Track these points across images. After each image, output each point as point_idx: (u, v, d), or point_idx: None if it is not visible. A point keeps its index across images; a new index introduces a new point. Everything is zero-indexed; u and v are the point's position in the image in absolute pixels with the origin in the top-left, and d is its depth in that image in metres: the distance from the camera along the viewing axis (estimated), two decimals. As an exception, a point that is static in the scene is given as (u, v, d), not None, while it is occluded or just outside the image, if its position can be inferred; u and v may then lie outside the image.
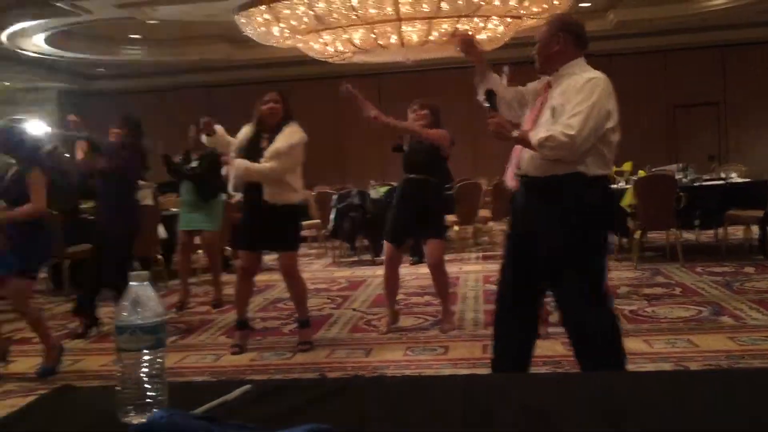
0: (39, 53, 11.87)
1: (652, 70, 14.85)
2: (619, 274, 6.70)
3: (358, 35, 9.06)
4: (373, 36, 8.96)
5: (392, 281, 5.07)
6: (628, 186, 7.43)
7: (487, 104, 3.01)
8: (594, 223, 2.94)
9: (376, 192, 8.85)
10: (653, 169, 8.05)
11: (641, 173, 7.85)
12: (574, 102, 2.81)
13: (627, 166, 9.22)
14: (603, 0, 11.56)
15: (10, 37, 10.69)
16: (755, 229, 7.55)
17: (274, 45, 10.01)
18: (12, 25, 10.12)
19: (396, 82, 14.20)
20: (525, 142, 2.86)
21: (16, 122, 4.59)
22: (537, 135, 2.80)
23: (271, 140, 4.47)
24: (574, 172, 2.84)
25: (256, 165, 4.38)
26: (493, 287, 6.39)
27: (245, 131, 4.62)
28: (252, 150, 4.48)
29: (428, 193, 4.88)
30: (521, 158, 2.96)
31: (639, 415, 1.18)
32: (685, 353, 4.12)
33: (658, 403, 1.24)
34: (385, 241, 5.18)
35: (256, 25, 9.13)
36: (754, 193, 7.25)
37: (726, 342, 4.30)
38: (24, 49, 11.58)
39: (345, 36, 9.09)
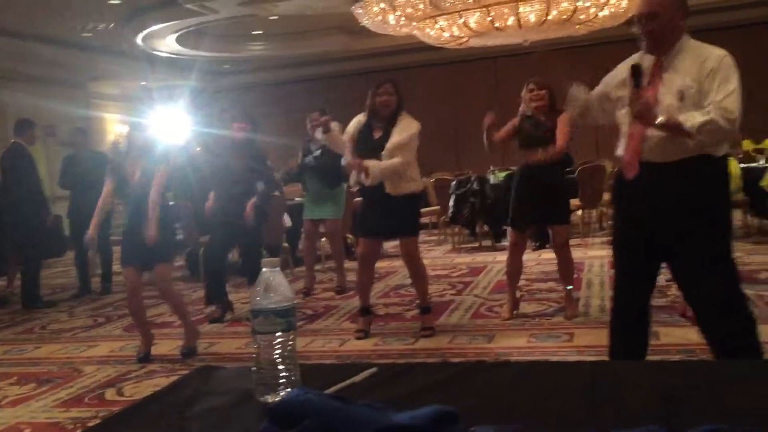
0: (171, 53, 12.58)
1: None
2: (759, 258, 6.29)
3: (473, 19, 8.97)
4: (489, 18, 8.84)
5: (516, 267, 5.02)
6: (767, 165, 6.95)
7: (632, 82, 2.78)
8: (727, 202, 2.84)
9: (495, 177, 8.76)
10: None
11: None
12: (718, 81, 2.65)
13: (767, 143, 8.62)
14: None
15: (145, 39, 11.39)
16: None
17: (391, 33, 10.09)
18: (146, 28, 10.78)
19: (514, 65, 13.94)
20: (675, 127, 2.65)
21: (141, 128, 4.93)
22: (691, 120, 2.62)
23: (384, 131, 4.54)
24: (704, 154, 2.70)
25: (386, 163, 4.45)
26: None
27: (356, 122, 4.70)
28: (366, 142, 4.57)
29: (552, 176, 4.78)
30: (642, 146, 2.78)
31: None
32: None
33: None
34: (509, 228, 5.10)
35: (372, 14, 9.24)
36: None
37: None
38: (158, 50, 12.31)
39: (461, 20, 9.02)
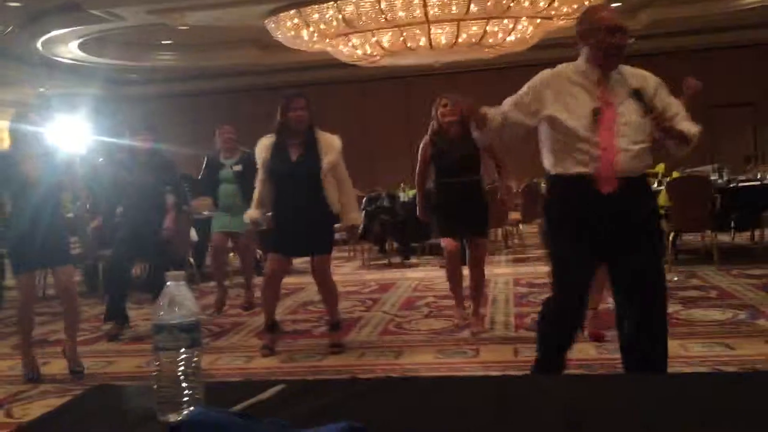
0: (73, 59, 12.09)
1: (684, 70, 14.56)
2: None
3: (386, 38, 9.09)
4: (402, 39, 8.98)
5: (457, 272, 5.08)
6: (661, 188, 7.33)
7: (639, 103, 2.86)
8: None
9: (406, 195, 8.85)
10: (687, 171, 7.92)
11: (675, 174, 7.72)
12: (668, 97, 2.95)
13: (660, 168, 9.09)
14: None
15: (46, 44, 10.91)
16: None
17: (303, 49, 10.08)
18: (48, 32, 10.32)
19: (425, 85, 14.20)
20: (682, 134, 2.87)
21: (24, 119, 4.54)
22: (693, 129, 2.89)
23: (306, 149, 4.48)
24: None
25: (351, 193, 4.74)
26: (524, 290, 6.34)
27: (265, 146, 4.55)
28: (284, 162, 4.48)
29: (479, 192, 4.89)
30: (617, 161, 2.82)
31: (673, 418, 1.16)
32: (721, 357, 4.04)
33: (693, 406, 1.22)
34: (444, 239, 5.07)
35: (285, 29, 9.21)
36: (792, 194, 7.11)
37: (763, 346, 4.21)
38: (59, 56, 11.80)
39: (374, 39, 9.12)
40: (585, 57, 2.94)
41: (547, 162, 2.99)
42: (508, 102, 3.01)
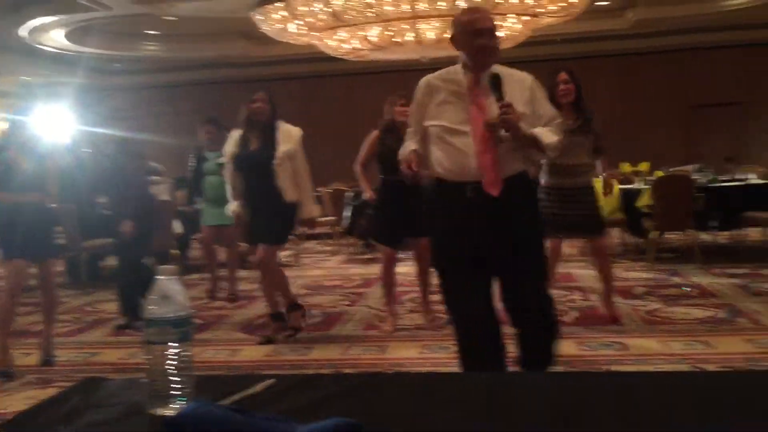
0: (58, 48, 11.96)
1: (670, 69, 14.73)
2: (635, 275, 6.66)
3: (374, 32, 9.07)
4: (389, 33, 8.97)
5: (393, 279, 5.14)
6: (644, 186, 7.39)
7: (494, 92, 2.76)
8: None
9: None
10: (670, 170, 7.99)
11: (658, 173, 7.79)
12: (541, 102, 2.93)
13: (644, 166, 9.17)
14: (621, -1, 11.49)
15: (31, 32, 10.78)
16: (773, 231, 7.49)
17: (290, 42, 10.04)
18: (32, 19, 10.21)
19: (413, 80, 14.19)
20: (537, 141, 2.81)
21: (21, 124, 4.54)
22: (548, 137, 2.82)
23: (262, 141, 4.56)
24: (524, 170, 2.93)
25: (308, 186, 4.72)
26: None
27: (233, 139, 4.74)
28: (242, 152, 4.64)
29: (418, 192, 4.84)
30: (501, 162, 2.79)
31: (657, 415, 1.18)
32: (701, 355, 4.09)
33: (674, 403, 1.24)
34: (381, 245, 5.15)
35: (272, 21, 9.16)
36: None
37: (743, 344, 4.27)
38: (43, 44, 11.67)
39: (361, 33, 9.10)
40: (460, 61, 2.93)
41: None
42: (411, 132, 3.03)
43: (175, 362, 1.19)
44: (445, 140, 2.86)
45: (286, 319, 4.87)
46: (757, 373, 2.93)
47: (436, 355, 4.36)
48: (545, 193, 4.65)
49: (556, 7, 8.97)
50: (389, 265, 5.06)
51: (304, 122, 4.99)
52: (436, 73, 2.99)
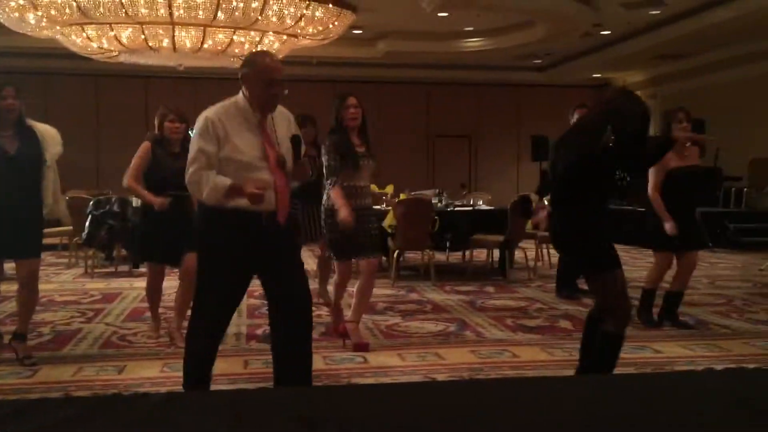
0: None
1: (416, 100, 15.92)
2: (377, 291, 7.02)
3: (126, 34, 8.61)
4: (143, 37, 8.57)
5: (157, 290, 5.04)
6: (388, 208, 7.84)
7: (294, 150, 3.24)
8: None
9: (139, 200, 8.41)
10: (412, 193, 8.58)
11: (402, 196, 8.32)
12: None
13: (389, 189, 9.75)
14: (373, 30, 12.16)
15: None
16: (497, 253, 8.35)
17: (30, 34, 9.17)
18: None
19: (165, 87, 13.69)
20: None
21: None
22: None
23: (12, 139, 4.14)
24: None
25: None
26: (257, 302, 6.39)
27: None
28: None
29: (192, 207, 4.74)
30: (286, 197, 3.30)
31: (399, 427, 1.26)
32: (433, 366, 4.42)
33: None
34: (148, 262, 5.02)
35: (8, 9, 8.30)
36: (497, 219, 8.03)
37: (469, 356, 4.69)
38: None
39: (112, 33, 8.59)
40: (245, 97, 3.18)
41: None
42: (201, 165, 3.10)
43: None
44: (242, 175, 3.06)
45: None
46: (483, 382, 3.24)
47: (178, 373, 4.20)
48: (333, 214, 4.55)
49: (314, 30, 9.23)
50: (154, 277, 4.95)
51: (39, 121, 4.54)
52: (221, 110, 3.15)
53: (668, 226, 5.01)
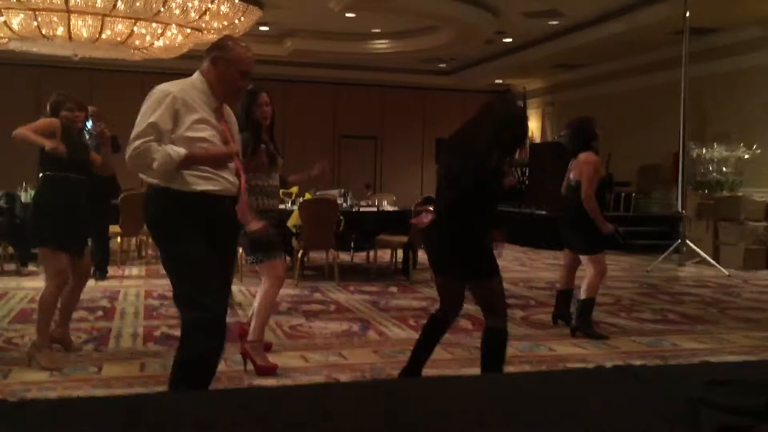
0: None
1: (323, 100, 15.90)
2: (282, 291, 6.94)
3: (17, 20, 8.17)
4: (36, 24, 8.16)
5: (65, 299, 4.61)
6: (293, 207, 7.79)
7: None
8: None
9: (27, 195, 7.99)
10: (318, 193, 8.56)
11: (308, 196, 8.28)
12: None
13: (294, 189, 9.67)
14: (281, 27, 12.05)
15: None
16: (401, 253, 8.45)
17: None
18: None
19: (58, 77, 13.06)
20: None
21: None
22: None
23: None
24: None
25: None
26: (155, 302, 6.20)
27: None
28: None
29: (84, 191, 4.50)
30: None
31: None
32: (336, 366, 4.42)
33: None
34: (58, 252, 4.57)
35: None
36: (401, 220, 8.13)
37: (371, 355, 4.72)
38: None
39: (1, 19, 8.13)
40: (207, 80, 3.01)
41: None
42: (149, 140, 2.85)
43: None
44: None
45: None
46: (385, 383, 3.27)
47: (73, 376, 4.02)
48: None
49: (219, 25, 9.05)
50: (64, 277, 4.41)
51: None
52: (183, 86, 2.96)
53: (607, 229, 5.26)
